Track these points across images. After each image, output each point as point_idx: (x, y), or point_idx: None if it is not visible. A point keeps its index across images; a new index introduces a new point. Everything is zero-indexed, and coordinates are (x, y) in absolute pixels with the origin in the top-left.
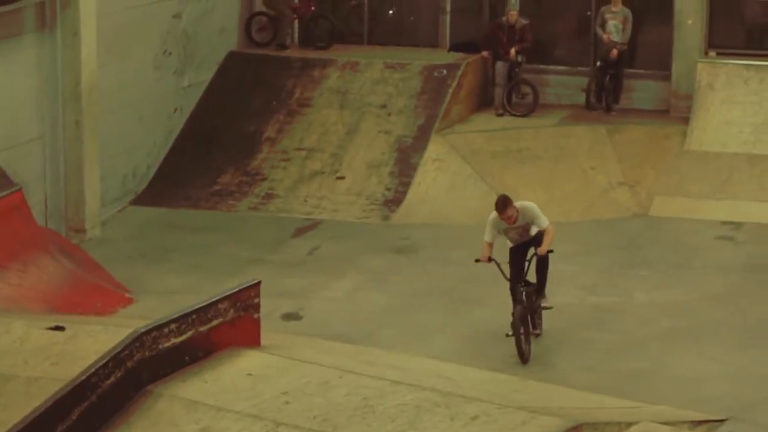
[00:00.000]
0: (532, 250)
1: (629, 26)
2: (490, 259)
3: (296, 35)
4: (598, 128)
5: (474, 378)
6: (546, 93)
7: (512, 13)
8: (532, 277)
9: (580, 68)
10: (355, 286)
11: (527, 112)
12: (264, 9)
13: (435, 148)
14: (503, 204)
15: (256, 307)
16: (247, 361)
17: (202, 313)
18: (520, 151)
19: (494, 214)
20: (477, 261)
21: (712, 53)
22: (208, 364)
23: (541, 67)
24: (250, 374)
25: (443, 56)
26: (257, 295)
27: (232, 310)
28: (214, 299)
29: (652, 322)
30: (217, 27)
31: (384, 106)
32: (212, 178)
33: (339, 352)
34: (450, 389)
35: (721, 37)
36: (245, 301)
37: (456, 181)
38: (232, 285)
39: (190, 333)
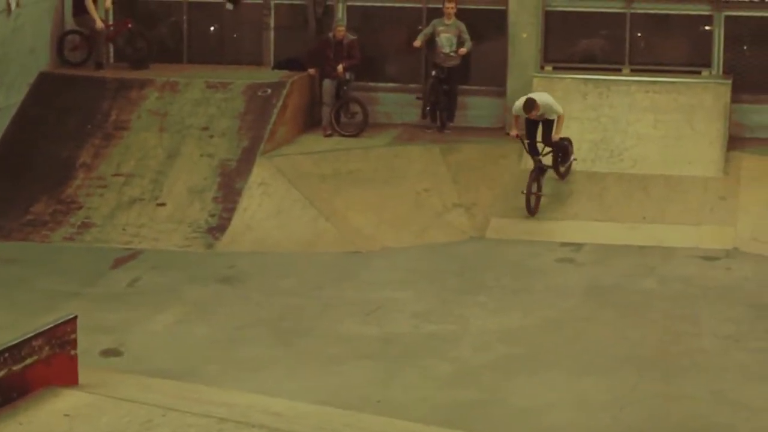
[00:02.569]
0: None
1: (467, 37)
2: (517, 135)
3: (111, 55)
4: (431, 148)
5: (304, 412)
6: (376, 111)
7: (339, 29)
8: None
9: (411, 85)
10: (178, 318)
11: (357, 131)
12: (77, 27)
13: (260, 171)
14: (529, 107)
15: (73, 344)
16: (64, 400)
17: (15, 351)
18: (350, 173)
19: (521, 105)
20: (507, 134)
21: (549, 68)
22: (23, 405)
23: (371, 84)
24: (67, 415)
25: (267, 74)
26: (74, 331)
27: (47, 348)
28: (28, 336)
29: (489, 349)
30: (27, 46)
31: (206, 128)
32: (24, 207)
33: (162, 389)
34: (279, 425)
35: (557, 51)
36: (61, 337)
37: (283, 206)
38: (47, 320)
39: (2, 372)
